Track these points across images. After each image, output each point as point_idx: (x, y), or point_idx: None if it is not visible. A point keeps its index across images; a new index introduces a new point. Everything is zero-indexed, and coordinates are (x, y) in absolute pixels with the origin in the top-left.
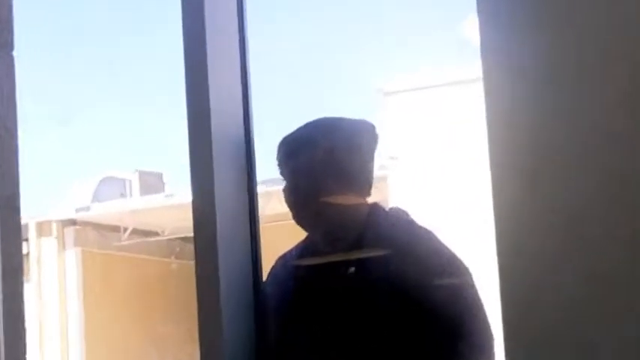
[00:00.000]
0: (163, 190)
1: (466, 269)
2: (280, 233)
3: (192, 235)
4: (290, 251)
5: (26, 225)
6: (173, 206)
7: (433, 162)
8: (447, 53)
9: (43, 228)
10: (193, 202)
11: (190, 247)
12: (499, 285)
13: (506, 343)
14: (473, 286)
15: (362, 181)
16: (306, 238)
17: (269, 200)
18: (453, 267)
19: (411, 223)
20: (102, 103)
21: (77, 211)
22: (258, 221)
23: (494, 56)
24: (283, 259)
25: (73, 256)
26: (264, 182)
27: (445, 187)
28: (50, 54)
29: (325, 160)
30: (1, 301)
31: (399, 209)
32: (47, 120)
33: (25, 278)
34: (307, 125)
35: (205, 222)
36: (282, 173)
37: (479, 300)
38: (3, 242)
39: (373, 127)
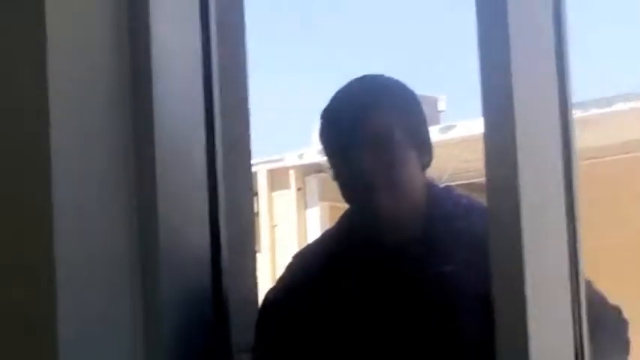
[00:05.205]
0: (439, 122)
1: None
2: (596, 174)
3: (479, 180)
4: (311, 248)
5: (255, 174)
6: (453, 142)
7: None
8: None
9: (277, 177)
10: (485, 135)
11: (479, 198)
12: None
13: None
14: None
15: (429, 149)
16: (340, 226)
17: (583, 129)
18: None
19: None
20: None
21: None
22: (574, 161)
23: None
24: (310, 256)
25: (317, 214)
26: (580, 104)
27: None
28: None
29: (403, 122)
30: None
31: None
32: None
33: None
34: (353, 85)
35: (502, 164)
36: (336, 142)
37: None
38: (229, 193)
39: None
